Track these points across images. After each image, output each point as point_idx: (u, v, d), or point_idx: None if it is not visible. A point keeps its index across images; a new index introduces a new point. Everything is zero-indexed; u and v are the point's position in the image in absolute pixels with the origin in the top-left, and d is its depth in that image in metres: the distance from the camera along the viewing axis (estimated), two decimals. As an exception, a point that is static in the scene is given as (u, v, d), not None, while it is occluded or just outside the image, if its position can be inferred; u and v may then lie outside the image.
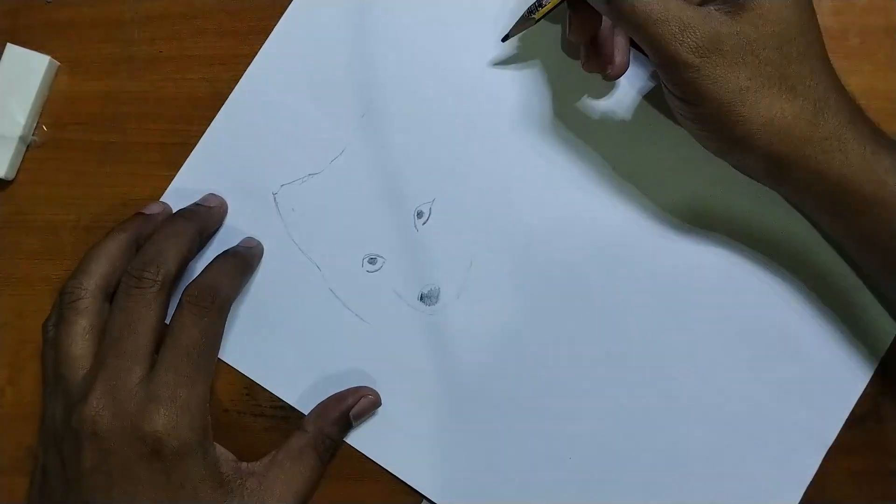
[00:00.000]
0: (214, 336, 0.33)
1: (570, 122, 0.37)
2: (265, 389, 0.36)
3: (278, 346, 0.36)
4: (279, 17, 0.38)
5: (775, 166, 0.30)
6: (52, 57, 0.38)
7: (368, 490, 0.36)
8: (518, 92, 0.37)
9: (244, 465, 0.33)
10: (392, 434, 0.36)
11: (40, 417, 0.33)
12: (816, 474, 0.35)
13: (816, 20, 0.30)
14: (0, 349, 0.38)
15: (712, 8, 0.30)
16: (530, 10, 0.33)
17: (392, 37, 0.38)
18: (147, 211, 0.36)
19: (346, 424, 0.35)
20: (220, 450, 0.33)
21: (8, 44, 0.38)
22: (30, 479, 0.34)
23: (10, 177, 0.38)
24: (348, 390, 0.36)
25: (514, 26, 0.34)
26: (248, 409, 0.36)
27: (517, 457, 0.35)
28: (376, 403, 0.36)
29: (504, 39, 0.35)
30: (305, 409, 0.36)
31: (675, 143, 0.36)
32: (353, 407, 0.35)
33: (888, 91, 0.37)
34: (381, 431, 0.36)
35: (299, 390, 0.36)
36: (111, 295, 0.33)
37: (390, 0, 0.38)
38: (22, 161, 0.38)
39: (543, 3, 0.33)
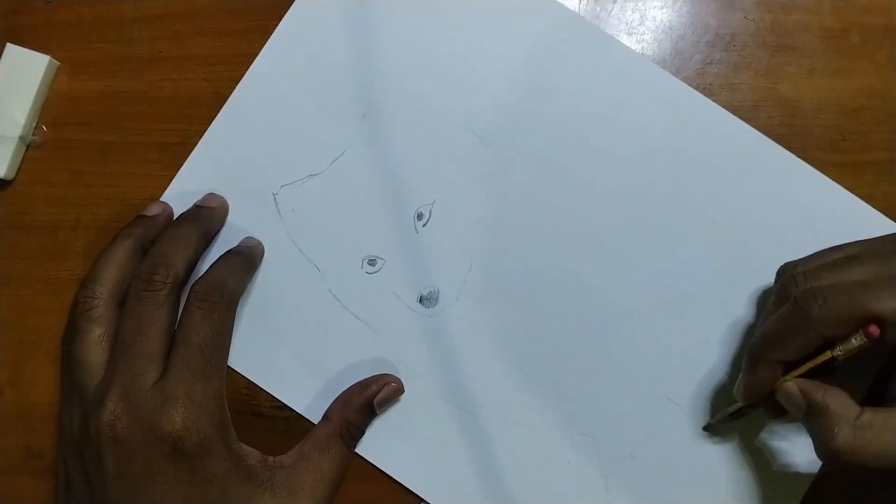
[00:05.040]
0: (225, 331, 0.33)
1: (573, 117, 0.37)
2: (264, 390, 0.36)
3: (277, 347, 0.36)
4: (280, 17, 0.38)
5: None
6: (52, 57, 0.38)
7: (368, 490, 0.36)
8: (520, 95, 0.37)
9: (271, 458, 0.33)
10: (390, 436, 0.36)
11: (58, 429, 0.33)
12: (817, 474, 0.35)
13: None
14: (0, 349, 0.38)
15: None
16: (733, 416, 0.34)
17: (394, 38, 0.37)
18: (148, 212, 0.36)
19: (371, 412, 0.35)
20: (245, 445, 0.33)
21: (8, 44, 0.38)
22: (54, 494, 0.34)
23: (10, 177, 0.38)
24: (371, 378, 0.36)
25: (717, 422, 0.35)
26: (248, 409, 0.36)
27: (515, 459, 0.35)
28: (399, 391, 0.36)
29: (705, 429, 0.35)
30: (304, 410, 0.36)
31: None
32: (376, 394, 0.35)
33: (888, 91, 0.37)
34: (378, 433, 0.36)
35: (298, 391, 0.36)
36: (123, 301, 0.33)
37: (392, 1, 0.38)
38: (22, 161, 0.38)
39: (746, 413, 0.33)
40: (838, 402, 0.29)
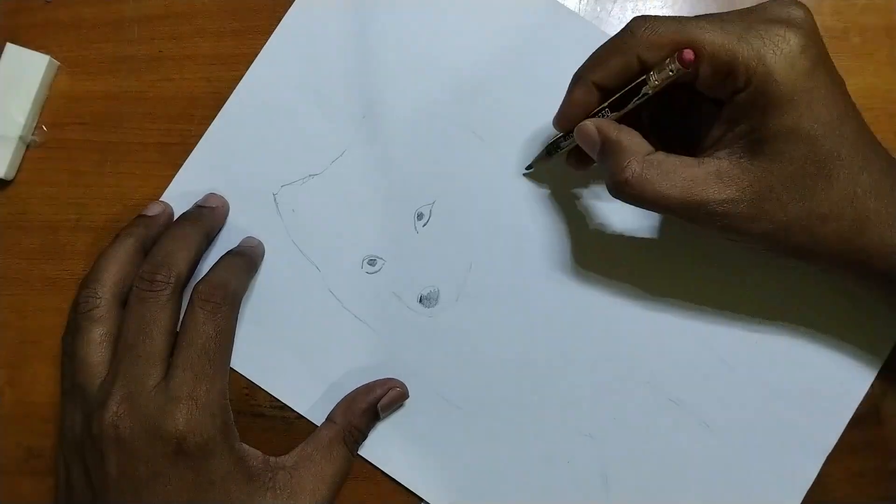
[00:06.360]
0: (227, 332, 0.33)
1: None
2: (264, 390, 0.36)
3: (277, 347, 0.36)
4: (280, 18, 0.38)
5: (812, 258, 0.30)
6: (52, 57, 0.38)
7: (367, 491, 0.36)
8: (520, 95, 0.37)
9: (273, 459, 0.33)
10: (390, 436, 0.36)
11: (59, 429, 0.33)
12: (817, 474, 0.35)
13: (851, 128, 0.28)
14: (0, 349, 0.38)
15: (724, 160, 0.29)
16: (548, 151, 0.35)
17: (393, 38, 0.38)
18: (148, 212, 0.36)
19: (374, 416, 0.35)
20: (247, 446, 0.33)
21: (8, 44, 0.38)
22: (54, 494, 0.34)
23: (10, 177, 0.38)
24: (376, 382, 0.36)
25: (536, 160, 0.36)
26: (248, 409, 0.36)
27: (515, 459, 0.35)
28: (404, 395, 0.36)
29: (527, 169, 0.37)
30: (304, 410, 0.36)
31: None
32: (381, 398, 0.35)
33: (888, 91, 0.37)
34: (378, 433, 0.36)
35: (298, 391, 0.36)
36: (124, 301, 0.33)
37: (392, 1, 0.38)
38: (22, 161, 0.38)
39: (562, 146, 0.34)
40: (632, 140, 0.30)
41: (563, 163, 0.35)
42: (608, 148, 0.30)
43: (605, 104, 0.31)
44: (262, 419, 0.36)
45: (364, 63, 0.37)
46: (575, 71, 0.32)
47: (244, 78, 0.38)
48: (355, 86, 0.37)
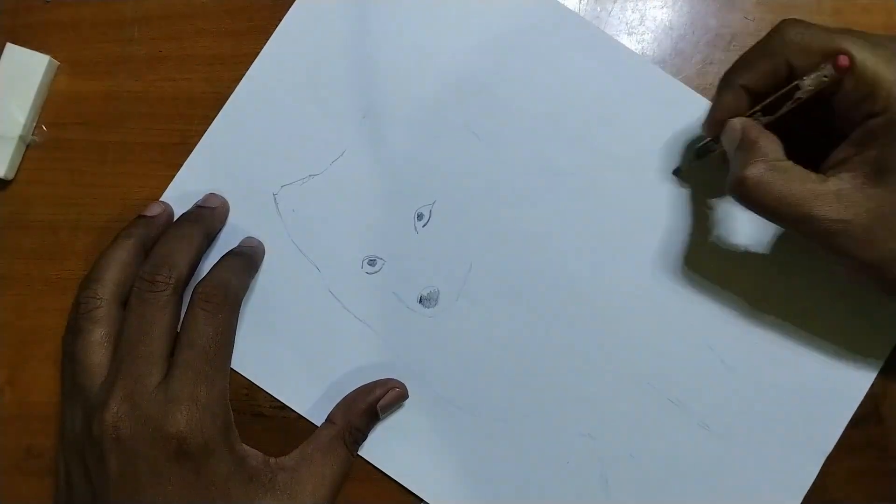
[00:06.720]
0: (228, 332, 0.33)
1: (573, 117, 0.37)
2: (264, 390, 0.36)
3: (276, 347, 0.36)
4: (280, 18, 0.38)
5: None
6: (52, 57, 0.38)
7: (368, 491, 0.36)
8: (519, 95, 0.37)
9: (273, 459, 0.33)
10: (389, 436, 0.36)
11: (59, 429, 0.33)
12: (817, 474, 0.35)
13: None
14: (0, 349, 0.38)
15: (847, 182, 0.29)
16: (698, 154, 0.35)
17: (393, 38, 0.38)
18: (148, 213, 0.36)
19: (374, 416, 0.35)
20: (247, 447, 0.33)
21: (8, 44, 0.38)
22: (55, 495, 0.34)
23: (10, 177, 0.38)
24: (375, 382, 0.36)
25: (684, 163, 0.36)
26: (248, 409, 0.36)
27: (515, 459, 0.35)
28: (404, 396, 0.36)
29: (674, 173, 0.36)
30: (304, 410, 0.36)
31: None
32: (380, 399, 0.35)
33: (888, 91, 0.37)
34: (378, 433, 0.36)
35: (297, 392, 0.36)
36: (125, 301, 0.33)
37: (392, 1, 0.38)
38: (22, 161, 0.38)
39: (711, 149, 0.34)
40: (768, 144, 0.30)
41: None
42: (743, 144, 0.30)
43: (758, 108, 0.31)
44: (262, 419, 0.36)
45: (364, 63, 0.37)
46: (722, 75, 0.32)
47: (244, 78, 0.38)
48: (355, 85, 0.37)
